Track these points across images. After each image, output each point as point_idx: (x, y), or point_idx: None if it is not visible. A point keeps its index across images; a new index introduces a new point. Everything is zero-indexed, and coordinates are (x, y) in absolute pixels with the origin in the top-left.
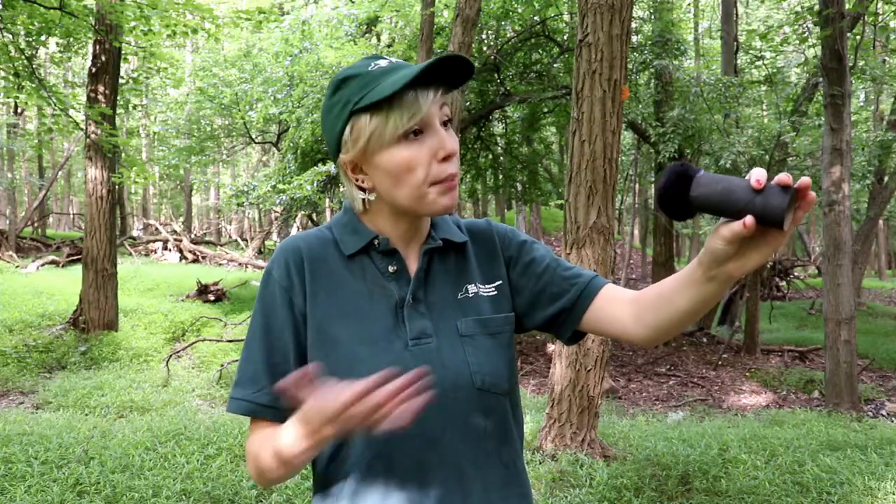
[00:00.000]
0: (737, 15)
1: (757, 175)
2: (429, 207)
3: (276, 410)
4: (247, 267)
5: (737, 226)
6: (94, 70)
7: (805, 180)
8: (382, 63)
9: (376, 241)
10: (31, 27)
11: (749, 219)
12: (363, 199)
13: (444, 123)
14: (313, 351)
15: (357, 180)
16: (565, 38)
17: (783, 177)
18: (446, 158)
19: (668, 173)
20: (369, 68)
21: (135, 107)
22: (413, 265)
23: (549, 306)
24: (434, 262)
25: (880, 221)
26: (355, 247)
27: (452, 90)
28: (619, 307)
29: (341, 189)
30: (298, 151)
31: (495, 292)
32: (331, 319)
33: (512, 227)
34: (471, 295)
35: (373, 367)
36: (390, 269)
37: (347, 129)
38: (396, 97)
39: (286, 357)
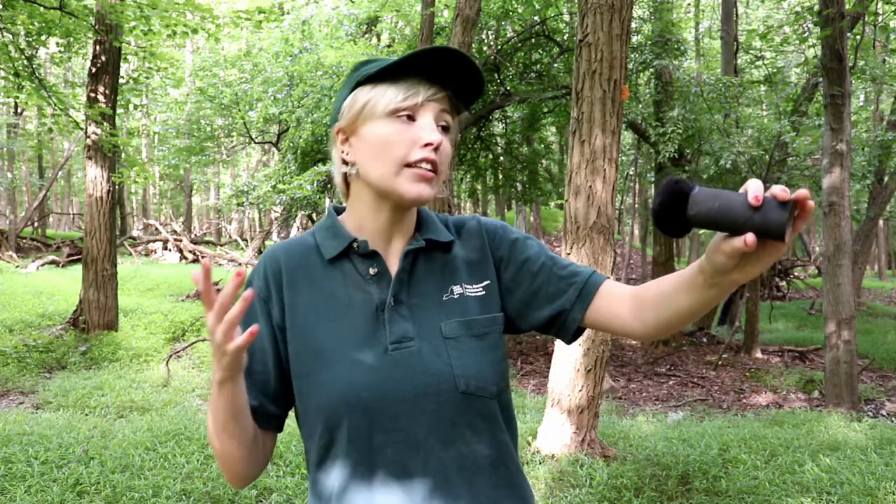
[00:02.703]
0: (737, 15)
1: (754, 191)
2: (398, 189)
3: (256, 415)
4: (247, 267)
5: (738, 242)
6: (94, 70)
7: (802, 192)
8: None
9: (355, 245)
10: (31, 27)
11: (750, 237)
12: (344, 176)
13: (444, 128)
14: (297, 359)
15: (343, 151)
16: (565, 38)
17: (778, 192)
18: (428, 146)
19: (663, 193)
20: (389, 57)
21: (135, 107)
22: (395, 266)
23: (547, 307)
24: (418, 263)
25: (880, 221)
26: (335, 251)
27: (460, 106)
28: (619, 303)
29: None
30: (298, 151)
31: (483, 293)
32: (312, 326)
33: (503, 223)
34: (456, 296)
35: (354, 372)
36: (371, 271)
37: (350, 97)
38: (401, 78)
39: (265, 366)
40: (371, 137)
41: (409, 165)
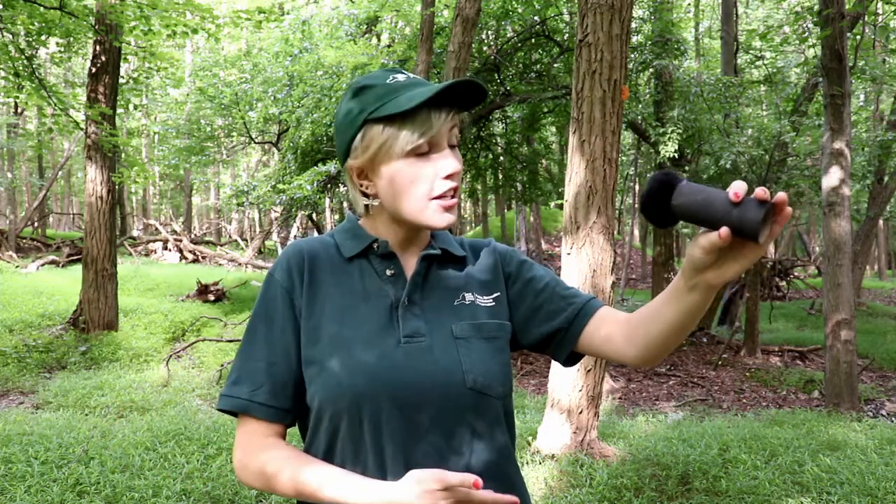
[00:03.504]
0: (737, 15)
1: (736, 188)
2: (428, 221)
3: (271, 409)
4: (247, 267)
5: (713, 236)
6: (94, 70)
7: (781, 196)
8: (400, 77)
9: (375, 245)
10: (31, 27)
11: (724, 230)
12: (366, 205)
13: (452, 147)
14: (307, 348)
15: (362, 186)
16: (565, 38)
17: (759, 191)
18: (449, 177)
19: (652, 181)
20: (388, 80)
21: (136, 107)
22: (411, 270)
23: (546, 324)
24: (432, 269)
25: (880, 221)
26: (354, 250)
27: (463, 111)
28: (614, 328)
29: (341, 189)
30: (298, 151)
31: (493, 303)
32: (326, 318)
33: (515, 249)
34: (467, 303)
35: (364, 362)
36: (388, 272)
37: (359, 136)
38: (410, 113)
39: (287, 357)
40: (393, 178)
41: (435, 198)
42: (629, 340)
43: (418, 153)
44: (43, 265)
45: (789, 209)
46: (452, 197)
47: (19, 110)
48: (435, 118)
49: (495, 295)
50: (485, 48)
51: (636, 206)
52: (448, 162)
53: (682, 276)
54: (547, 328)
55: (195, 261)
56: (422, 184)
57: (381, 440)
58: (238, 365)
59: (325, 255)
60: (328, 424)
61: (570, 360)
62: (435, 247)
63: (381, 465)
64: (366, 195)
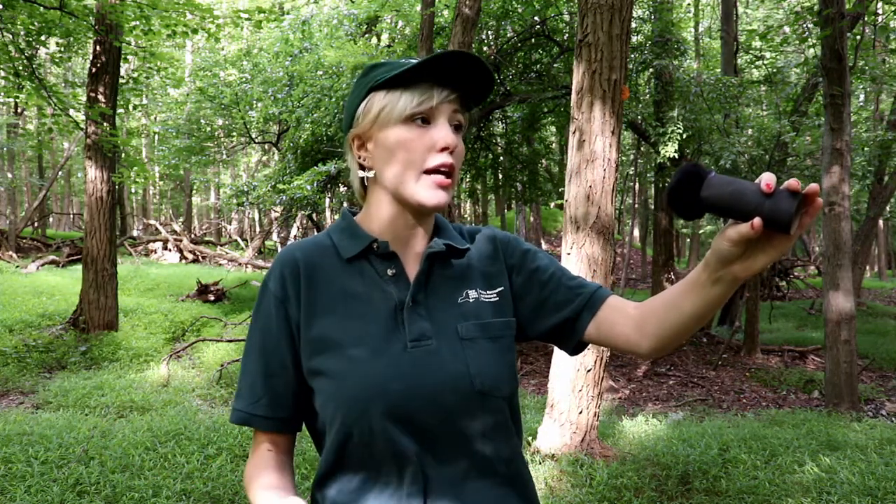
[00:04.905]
0: (737, 15)
1: (767, 179)
2: (418, 196)
3: (270, 421)
4: (247, 267)
5: (744, 228)
6: (94, 70)
7: (813, 186)
8: (413, 61)
9: (375, 245)
10: (31, 27)
11: (757, 221)
12: (362, 180)
13: (456, 128)
14: (312, 358)
15: (359, 157)
16: (565, 38)
17: (792, 182)
18: (444, 150)
19: (680, 172)
20: (400, 61)
21: (135, 107)
22: (412, 269)
23: (553, 315)
24: (434, 267)
25: (880, 221)
26: (354, 250)
27: (468, 105)
28: (623, 318)
29: (341, 189)
30: (298, 151)
31: (497, 298)
32: (330, 324)
33: (516, 235)
34: (471, 300)
35: (375, 367)
36: (389, 272)
37: (364, 103)
38: (413, 83)
39: (283, 368)
40: (389, 143)
41: (427, 172)
42: (640, 331)
43: (416, 122)
44: (43, 265)
45: (820, 200)
46: (448, 176)
47: (19, 110)
48: (437, 91)
49: (499, 289)
50: (485, 48)
51: (636, 206)
52: (445, 135)
53: (706, 268)
54: (554, 320)
55: (195, 261)
56: (415, 152)
57: (393, 444)
58: (240, 378)
59: (323, 259)
60: (339, 430)
61: (576, 349)
62: (439, 242)
63: (398, 465)
64: (363, 168)
